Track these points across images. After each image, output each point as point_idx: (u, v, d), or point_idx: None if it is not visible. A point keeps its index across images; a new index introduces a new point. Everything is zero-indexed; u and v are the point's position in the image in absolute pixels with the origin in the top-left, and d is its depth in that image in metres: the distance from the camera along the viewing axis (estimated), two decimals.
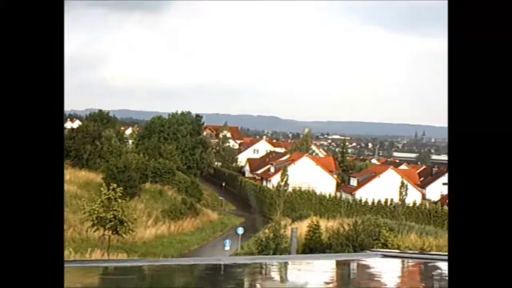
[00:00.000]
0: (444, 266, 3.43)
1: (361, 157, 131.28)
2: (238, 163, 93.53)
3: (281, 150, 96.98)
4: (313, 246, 38.96)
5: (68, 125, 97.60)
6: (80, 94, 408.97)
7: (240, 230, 43.36)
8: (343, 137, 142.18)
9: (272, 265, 3.66)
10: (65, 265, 4.43)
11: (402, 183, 54.32)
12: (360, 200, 61.06)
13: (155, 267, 3.42)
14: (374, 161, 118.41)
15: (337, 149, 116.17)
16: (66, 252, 32.72)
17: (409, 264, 4.11)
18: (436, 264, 3.77)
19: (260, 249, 37.25)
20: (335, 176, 74.66)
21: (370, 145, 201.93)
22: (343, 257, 5.71)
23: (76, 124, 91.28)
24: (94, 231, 36.49)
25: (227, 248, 38.60)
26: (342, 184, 73.40)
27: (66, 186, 49.73)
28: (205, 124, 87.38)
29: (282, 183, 56.27)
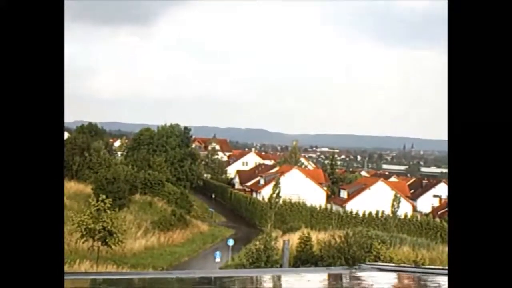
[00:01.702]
0: (441, 279, 3.43)
1: (351, 169, 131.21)
2: (228, 175, 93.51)
3: (270, 162, 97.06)
4: (304, 258, 38.70)
5: None
6: (68, 106, 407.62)
7: (231, 242, 43.10)
8: (331, 150, 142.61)
9: (264, 278, 3.56)
10: None
11: (396, 196, 54.33)
12: (351, 212, 60.85)
13: (147, 279, 3.37)
14: (363, 173, 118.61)
15: (326, 161, 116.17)
16: None
17: (404, 277, 4.02)
18: (434, 278, 3.71)
19: (251, 261, 36.97)
20: (325, 188, 74.62)
21: (359, 157, 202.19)
22: (337, 270, 5.57)
23: (65, 135, 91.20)
24: (83, 242, 36.17)
25: (217, 260, 38.28)
26: (332, 196, 73.32)
27: None
28: (193, 136, 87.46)
29: (274, 195, 56.01)
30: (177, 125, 77.71)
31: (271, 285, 3.33)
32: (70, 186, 54.11)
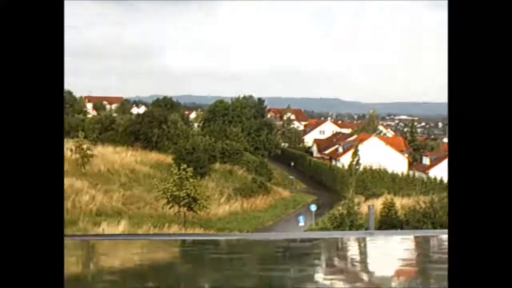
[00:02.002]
0: None
1: (432, 137, 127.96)
2: (305, 144, 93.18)
3: (347, 131, 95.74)
4: (389, 223, 38.29)
5: (134, 110, 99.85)
6: (144, 81, 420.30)
7: (313, 207, 43.05)
8: (410, 117, 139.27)
9: (349, 241, 3.50)
10: (145, 238, 4.45)
11: None
12: (435, 179, 59.20)
13: (234, 241, 3.45)
14: (445, 140, 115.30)
15: (405, 129, 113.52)
16: (145, 227, 33.40)
17: None
18: None
19: (335, 225, 36.88)
20: (406, 155, 73.03)
21: (440, 124, 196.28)
22: (425, 233, 5.44)
23: (142, 109, 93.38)
24: (170, 208, 37.29)
25: (301, 224, 38.37)
26: (414, 163, 71.67)
27: (138, 167, 50.80)
28: (268, 107, 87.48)
29: (354, 162, 55.24)
30: (251, 96, 77.94)
31: (364, 246, 3.28)
32: (152, 157, 55.65)
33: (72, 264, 2.37)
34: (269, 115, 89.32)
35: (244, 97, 77.23)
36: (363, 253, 3.14)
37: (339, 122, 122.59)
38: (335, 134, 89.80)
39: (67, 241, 3.23)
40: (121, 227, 32.17)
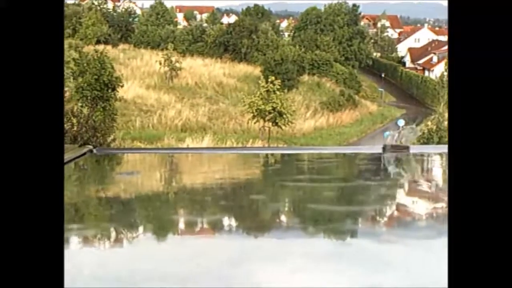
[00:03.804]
0: None
1: None
2: (398, 53, 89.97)
3: (444, 38, 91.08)
4: None
5: (224, 20, 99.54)
6: None
7: (401, 122, 41.97)
8: None
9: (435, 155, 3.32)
10: (228, 151, 4.54)
11: None
12: None
13: (317, 155, 3.33)
14: None
15: None
16: (228, 143, 34.15)
17: None
18: None
19: (422, 141, 36.09)
20: None
21: None
22: None
23: (233, 19, 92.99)
24: (255, 123, 37.65)
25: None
26: None
27: (226, 79, 51.27)
28: (362, 13, 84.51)
29: (446, 73, 52.90)
30: (345, 2, 75.31)
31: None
32: (240, 69, 55.84)
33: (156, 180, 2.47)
34: (362, 23, 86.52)
35: (338, 3, 74.89)
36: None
37: (437, 28, 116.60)
38: (431, 42, 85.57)
39: (151, 156, 3.40)
40: (205, 143, 32.92)
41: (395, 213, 1.95)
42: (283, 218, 1.78)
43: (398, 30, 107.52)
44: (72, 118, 19.38)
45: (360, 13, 78.95)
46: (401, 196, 2.30)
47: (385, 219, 1.88)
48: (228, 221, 1.71)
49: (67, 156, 2.46)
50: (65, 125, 18.59)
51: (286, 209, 1.91)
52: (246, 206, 1.90)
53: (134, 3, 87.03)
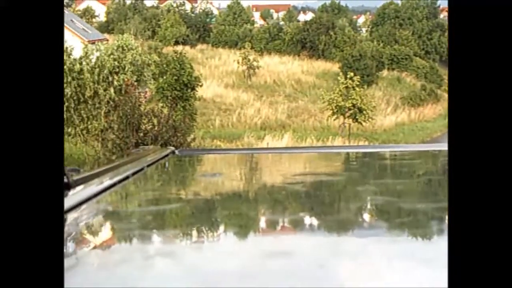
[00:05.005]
0: None
1: None
2: None
3: None
4: None
5: (301, 17, 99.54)
6: None
7: None
8: None
9: None
10: (309, 151, 4.44)
11: None
12: None
13: (399, 152, 3.31)
14: None
15: None
16: (308, 140, 34.00)
17: None
18: None
19: None
20: None
21: None
22: None
23: (309, 16, 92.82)
24: (334, 120, 37.37)
25: None
26: None
27: (304, 77, 51.20)
28: (441, 6, 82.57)
29: None
30: None
31: None
32: (318, 65, 55.61)
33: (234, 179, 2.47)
34: (442, 15, 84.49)
35: None
36: None
37: None
38: None
39: (231, 155, 3.42)
40: (285, 140, 32.94)
41: None
42: (366, 216, 1.73)
43: None
44: (153, 118, 19.83)
45: (439, 6, 77.32)
46: None
47: None
48: (310, 220, 1.68)
49: (150, 158, 2.53)
50: (146, 126, 19.08)
51: (369, 206, 1.86)
52: (327, 204, 1.88)
53: (211, 3, 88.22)
